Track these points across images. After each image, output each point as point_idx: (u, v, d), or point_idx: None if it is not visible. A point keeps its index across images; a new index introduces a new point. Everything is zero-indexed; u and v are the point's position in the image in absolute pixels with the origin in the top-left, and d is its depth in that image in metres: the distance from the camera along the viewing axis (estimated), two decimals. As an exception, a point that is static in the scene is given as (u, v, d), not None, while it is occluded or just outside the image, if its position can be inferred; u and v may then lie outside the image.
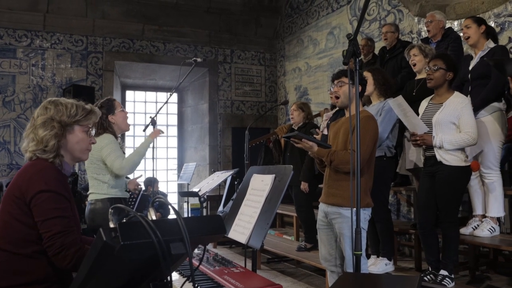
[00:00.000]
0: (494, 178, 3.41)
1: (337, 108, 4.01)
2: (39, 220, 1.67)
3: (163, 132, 3.49)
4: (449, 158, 3.05)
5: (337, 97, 2.91)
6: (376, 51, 5.20)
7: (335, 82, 2.92)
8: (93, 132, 1.98)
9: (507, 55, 3.47)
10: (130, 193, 4.15)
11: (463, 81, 3.58)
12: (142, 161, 7.80)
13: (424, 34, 5.20)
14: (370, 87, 3.46)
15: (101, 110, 3.15)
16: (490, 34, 3.53)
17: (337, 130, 2.95)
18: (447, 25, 4.37)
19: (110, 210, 1.65)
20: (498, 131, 3.40)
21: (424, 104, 3.29)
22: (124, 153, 3.27)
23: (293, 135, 2.80)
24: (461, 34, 3.89)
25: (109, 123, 3.14)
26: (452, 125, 3.07)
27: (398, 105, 3.11)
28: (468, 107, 3.07)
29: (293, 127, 4.78)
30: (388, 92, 3.53)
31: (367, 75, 3.47)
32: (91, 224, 3.10)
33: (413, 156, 3.69)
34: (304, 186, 4.46)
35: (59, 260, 1.64)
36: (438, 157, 3.08)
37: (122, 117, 3.23)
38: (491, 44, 3.45)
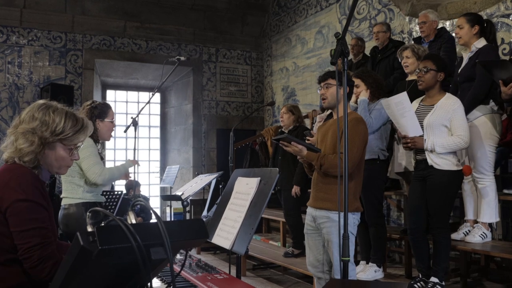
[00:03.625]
0: (486, 183, 3.37)
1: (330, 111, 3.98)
2: (16, 230, 1.60)
3: (139, 165, 3.59)
4: (441, 162, 3.02)
5: (324, 99, 2.89)
6: (367, 51, 5.15)
7: (321, 84, 2.88)
8: (78, 149, 1.84)
9: (494, 54, 3.42)
10: (107, 197, 3.98)
11: (453, 84, 3.56)
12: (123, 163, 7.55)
13: (415, 34, 5.16)
14: (364, 93, 3.44)
15: (92, 110, 3.05)
16: (486, 32, 3.46)
17: (325, 133, 2.91)
18: (439, 25, 4.32)
19: (88, 213, 1.53)
20: (491, 134, 3.35)
21: (414, 105, 3.23)
22: (102, 158, 3.20)
23: (282, 137, 2.75)
24: (454, 34, 3.84)
25: (95, 127, 3.07)
26: (444, 128, 3.04)
27: (395, 104, 3.03)
28: (460, 109, 3.04)
29: (283, 130, 4.70)
30: (381, 93, 3.52)
31: (357, 81, 3.47)
32: (65, 229, 3.02)
33: (403, 159, 3.66)
34: (296, 190, 4.41)
35: (36, 273, 1.59)
36: (429, 161, 3.04)
37: (108, 127, 3.18)
38: (479, 44, 3.40)
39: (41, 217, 1.64)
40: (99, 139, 3.15)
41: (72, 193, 3.01)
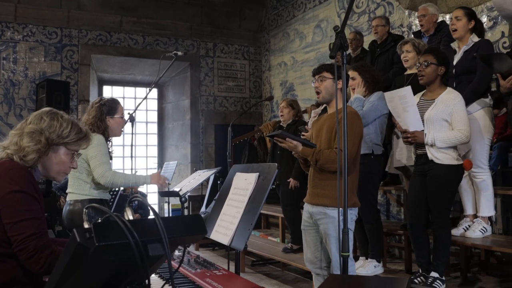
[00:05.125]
0: (483, 176, 3.38)
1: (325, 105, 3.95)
2: (10, 222, 1.60)
3: (169, 183, 3.36)
4: (441, 156, 3.01)
5: (318, 93, 2.84)
6: (365, 45, 5.09)
7: (316, 77, 2.84)
8: (77, 157, 1.93)
9: (492, 50, 3.44)
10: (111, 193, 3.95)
11: (448, 77, 3.52)
12: (120, 159, 7.47)
13: (415, 28, 5.12)
14: (359, 88, 3.38)
15: (101, 108, 3.04)
16: (477, 29, 3.47)
17: (320, 128, 2.87)
18: (439, 19, 4.27)
19: (84, 210, 1.55)
20: (488, 128, 3.36)
21: (415, 99, 3.20)
22: (111, 157, 3.17)
23: (277, 134, 2.73)
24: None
25: (106, 124, 3.06)
26: (444, 122, 3.03)
27: (398, 97, 3.01)
28: (461, 103, 3.03)
29: (281, 124, 4.68)
30: (375, 88, 3.46)
31: (354, 74, 3.41)
32: (70, 225, 3.00)
33: (401, 154, 3.65)
34: (293, 183, 4.36)
35: (32, 264, 1.59)
36: (430, 156, 3.03)
37: (119, 123, 3.16)
38: (476, 38, 3.40)
39: (34, 209, 1.65)
40: (110, 136, 3.13)
41: (78, 189, 3.00)
